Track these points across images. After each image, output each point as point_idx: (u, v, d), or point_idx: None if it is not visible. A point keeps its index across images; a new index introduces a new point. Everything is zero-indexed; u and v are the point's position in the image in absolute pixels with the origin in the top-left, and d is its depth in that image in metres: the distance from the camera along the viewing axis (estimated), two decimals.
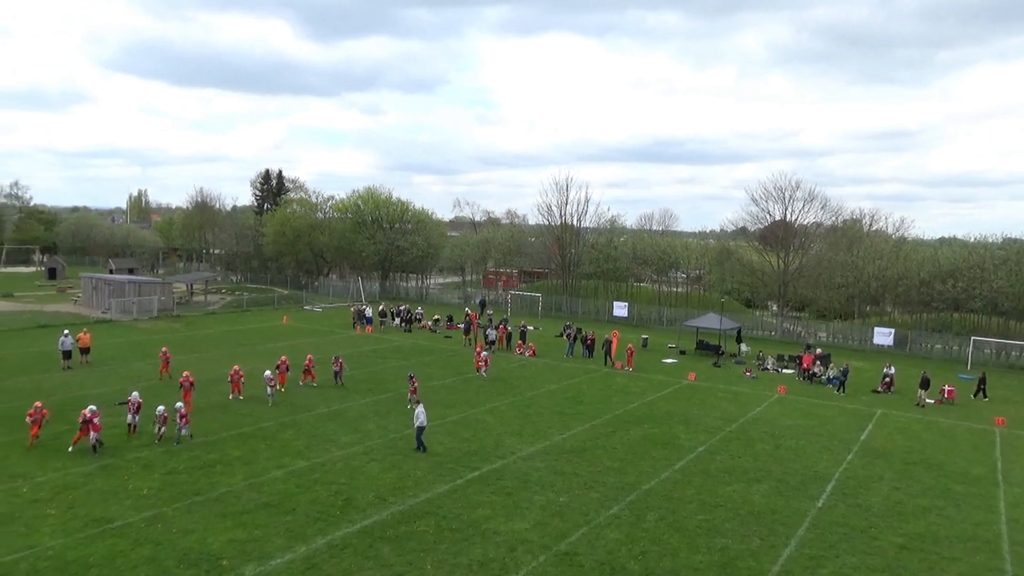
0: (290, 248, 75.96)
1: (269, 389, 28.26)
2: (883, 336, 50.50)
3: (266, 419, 26.24)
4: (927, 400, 33.68)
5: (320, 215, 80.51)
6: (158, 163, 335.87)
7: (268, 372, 28.80)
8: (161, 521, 17.12)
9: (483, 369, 35.39)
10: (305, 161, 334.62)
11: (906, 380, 37.34)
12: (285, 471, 20.86)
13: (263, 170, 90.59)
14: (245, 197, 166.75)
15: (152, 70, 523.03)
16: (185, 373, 27.19)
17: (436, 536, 16.97)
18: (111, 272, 72.73)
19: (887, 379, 36.64)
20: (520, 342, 43.43)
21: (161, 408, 23.13)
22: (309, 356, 33.49)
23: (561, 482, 20.88)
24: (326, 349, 41.30)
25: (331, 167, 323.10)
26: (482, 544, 16.64)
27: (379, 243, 73.84)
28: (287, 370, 30.99)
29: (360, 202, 78.02)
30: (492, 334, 43.23)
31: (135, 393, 24.13)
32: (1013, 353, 47.50)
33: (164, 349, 33.51)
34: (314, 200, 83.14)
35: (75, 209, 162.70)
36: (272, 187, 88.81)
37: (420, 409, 23.35)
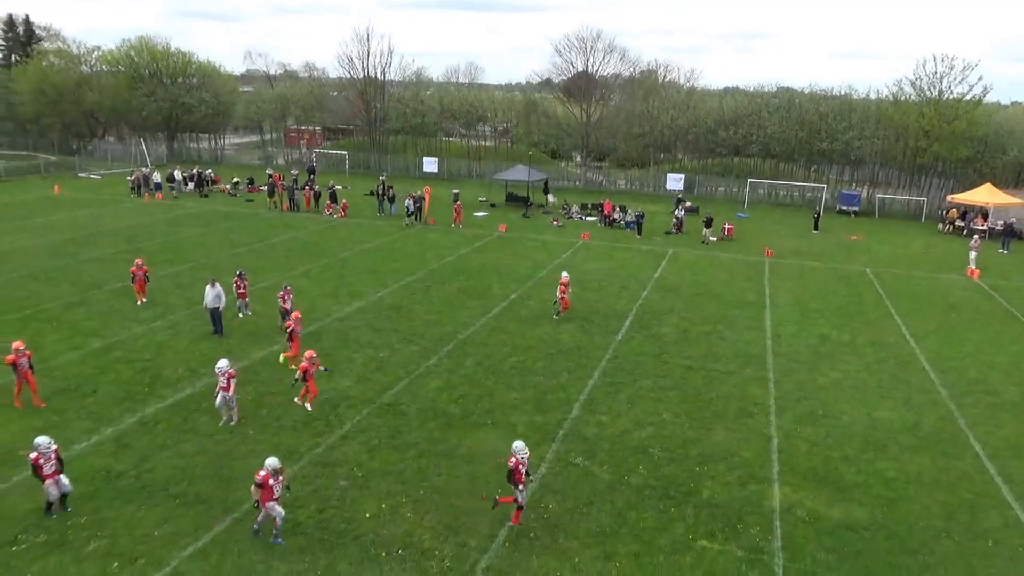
0: (52, 108, 66.43)
1: (221, 396, 15.52)
2: (675, 181, 54.44)
3: (48, 300, 23.83)
4: (711, 238, 37.26)
5: (86, 69, 70.49)
6: None
7: (225, 362, 15.57)
8: None
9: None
10: (61, 4, 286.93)
11: (694, 221, 40.88)
12: (80, 353, 19.33)
13: (6, 15, 76.87)
14: None
15: None
16: None
17: (256, 402, 16.75)
18: None
19: (677, 221, 39.88)
20: (329, 203, 42.00)
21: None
22: (138, 261, 23.96)
23: (380, 339, 21.15)
24: (110, 220, 37.64)
25: (93, 13, 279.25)
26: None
27: (160, 101, 66.44)
28: (146, 279, 23.71)
29: (133, 54, 69.00)
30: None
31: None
32: (781, 192, 53.30)
33: None
34: (76, 52, 72.36)
35: None
36: (19, 35, 75.94)
37: (217, 291, 20.75)
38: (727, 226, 38.85)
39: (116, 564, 11.12)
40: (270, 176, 45.58)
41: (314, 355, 16.26)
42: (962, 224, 42.42)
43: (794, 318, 24.67)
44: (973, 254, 32.55)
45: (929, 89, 49.44)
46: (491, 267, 30.33)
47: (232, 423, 15.56)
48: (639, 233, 38.46)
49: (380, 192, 42.90)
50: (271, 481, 11.54)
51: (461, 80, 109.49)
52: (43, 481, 12.13)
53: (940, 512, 13.32)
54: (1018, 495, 13.94)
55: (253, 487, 11.67)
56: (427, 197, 40.89)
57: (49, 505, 12.33)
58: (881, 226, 44.43)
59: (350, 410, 16.52)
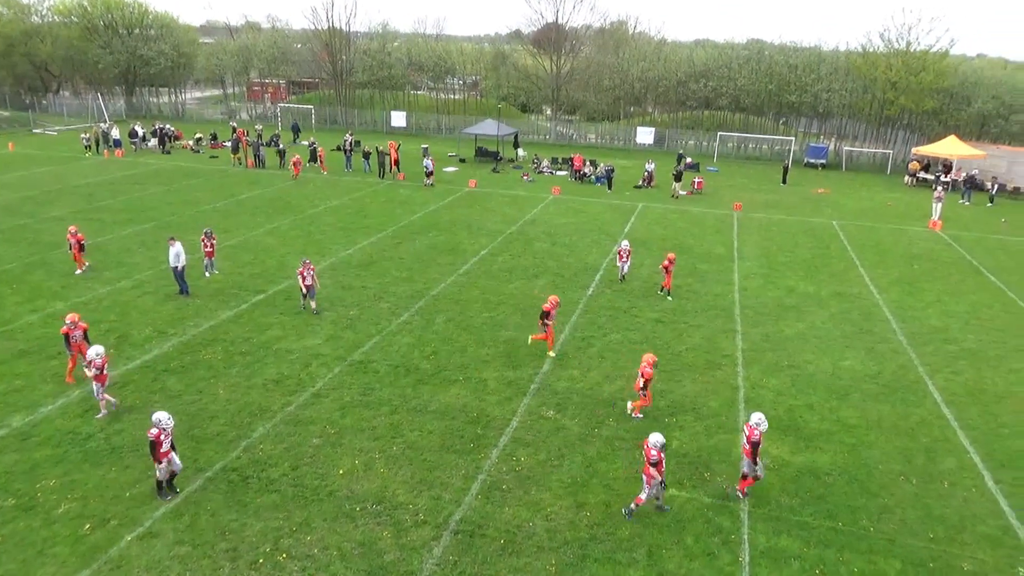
0: (2, 60, 64.01)
1: (96, 389, 14.11)
2: (645, 135, 54.30)
3: (7, 260, 23.26)
4: (680, 192, 37.34)
5: (37, 19, 67.73)
6: None
7: (97, 351, 14.02)
8: None
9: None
10: None
11: (664, 175, 40.91)
12: (41, 315, 18.94)
13: None
14: None
15: None
16: None
17: (226, 361, 16.63)
18: None
19: (647, 175, 39.87)
20: (297, 158, 41.12)
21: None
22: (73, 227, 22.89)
23: (350, 296, 21.03)
24: (69, 178, 36.63)
25: None
26: (275, 363, 16.61)
27: (117, 52, 64.30)
28: (81, 249, 22.37)
29: (87, 3, 66.42)
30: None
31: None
32: (750, 146, 53.46)
33: None
34: (26, 1, 69.34)
35: None
36: None
37: (176, 249, 20.16)
38: (697, 180, 38.94)
39: (88, 526, 11.08)
40: (234, 131, 44.55)
41: (655, 360, 14.73)
42: (927, 177, 42.98)
43: (761, 271, 24.97)
44: (938, 205, 33.07)
45: (897, 40, 49.60)
46: (461, 223, 30.15)
47: (100, 415, 14.05)
48: (609, 187, 38.41)
49: (348, 148, 42.19)
50: (662, 455, 11.44)
51: (429, 31, 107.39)
52: (158, 461, 11.45)
53: (899, 457, 13.76)
54: (973, 439, 14.44)
55: (649, 467, 11.36)
56: (393, 152, 40.31)
57: (160, 485, 11.70)
58: (848, 179, 44.89)
59: (322, 368, 16.48)
